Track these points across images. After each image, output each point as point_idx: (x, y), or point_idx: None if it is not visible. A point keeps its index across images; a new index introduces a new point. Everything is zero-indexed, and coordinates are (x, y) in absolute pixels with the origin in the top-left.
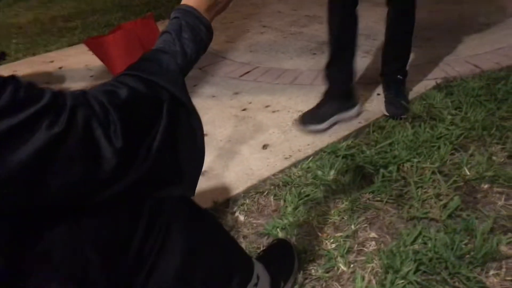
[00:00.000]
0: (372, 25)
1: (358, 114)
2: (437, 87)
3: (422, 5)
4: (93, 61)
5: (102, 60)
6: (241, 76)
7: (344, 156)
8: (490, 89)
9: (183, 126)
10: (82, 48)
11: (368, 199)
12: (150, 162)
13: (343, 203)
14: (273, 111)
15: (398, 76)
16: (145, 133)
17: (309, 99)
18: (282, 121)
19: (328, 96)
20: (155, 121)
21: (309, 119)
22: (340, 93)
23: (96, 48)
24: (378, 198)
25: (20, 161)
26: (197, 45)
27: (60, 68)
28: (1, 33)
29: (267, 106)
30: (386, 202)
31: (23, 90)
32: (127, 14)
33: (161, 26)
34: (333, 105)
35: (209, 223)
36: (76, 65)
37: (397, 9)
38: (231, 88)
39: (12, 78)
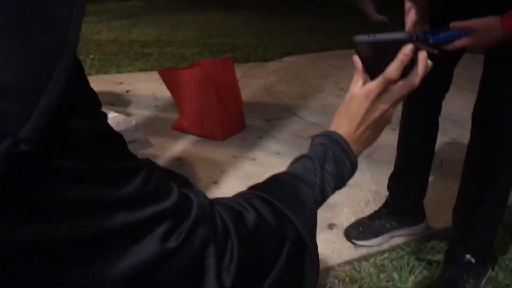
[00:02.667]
0: (459, 111)
1: (424, 231)
2: None
3: None
4: (161, 91)
5: (172, 92)
6: (310, 137)
7: (429, 262)
8: None
9: (297, 271)
10: (153, 75)
11: None
12: None
13: None
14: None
15: (467, 255)
16: (258, 273)
17: (385, 180)
18: (353, 199)
19: (387, 208)
20: (271, 260)
21: (360, 232)
22: (402, 210)
23: (169, 79)
24: None
25: (118, 275)
26: (336, 183)
27: (127, 91)
28: (81, 47)
29: None
30: None
31: (154, 182)
32: (204, 50)
33: (237, 69)
34: (392, 219)
35: None
36: (143, 91)
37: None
38: (298, 148)
39: (148, 162)
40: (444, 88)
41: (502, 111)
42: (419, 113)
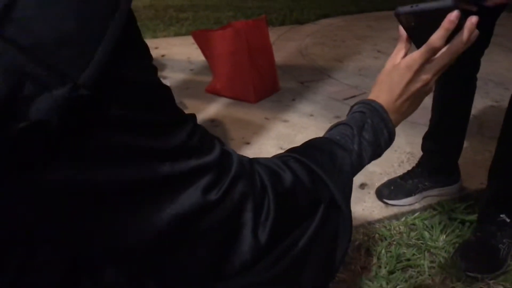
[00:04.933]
0: (503, 72)
1: (458, 192)
2: None
3: None
4: (195, 55)
5: (204, 54)
6: (345, 99)
7: (461, 221)
8: None
9: (330, 233)
10: (188, 40)
11: (488, 284)
12: (280, 269)
13: (452, 281)
14: None
15: (501, 215)
16: (292, 231)
17: (420, 142)
18: (386, 159)
19: (420, 167)
20: (306, 221)
21: (391, 191)
22: (436, 169)
23: (202, 41)
24: (501, 287)
25: (162, 223)
26: (373, 151)
27: (162, 55)
28: None
29: None
30: None
31: (198, 136)
32: (238, 14)
33: (272, 32)
34: (425, 179)
35: None
36: (178, 55)
37: None
38: (332, 110)
39: (193, 118)
40: (483, 43)
41: None
42: (456, 68)
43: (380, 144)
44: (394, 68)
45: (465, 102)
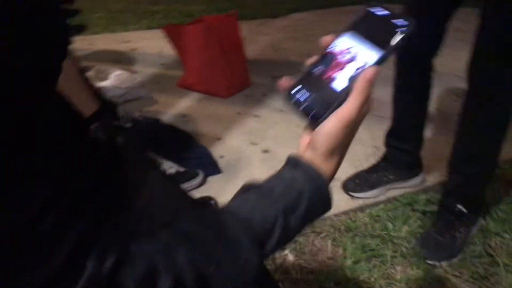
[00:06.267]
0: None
1: (420, 184)
2: None
3: None
4: (167, 49)
5: (176, 49)
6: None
7: (423, 212)
8: None
9: None
10: (159, 33)
11: (445, 270)
12: None
13: (413, 269)
14: None
15: (458, 205)
16: None
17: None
18: (353, 153)
19: (384, 162)
20: None
21: (357, 185)
22: (398, 163)
23: (174, 36)
24: (457, 273)
25: None
26: (294, 235)
27: (133, 49)
28: (86, 5)
29: None
30: (466, 280)
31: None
32: (210, 7)
33: (243, 26)
34: (389, 173)
35: None
36: (150, 49)
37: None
38: None
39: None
40: (434, 46)
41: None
42: (410, 70)
43: (312, 219)
44: (354, 125)
45: (421, 101)
